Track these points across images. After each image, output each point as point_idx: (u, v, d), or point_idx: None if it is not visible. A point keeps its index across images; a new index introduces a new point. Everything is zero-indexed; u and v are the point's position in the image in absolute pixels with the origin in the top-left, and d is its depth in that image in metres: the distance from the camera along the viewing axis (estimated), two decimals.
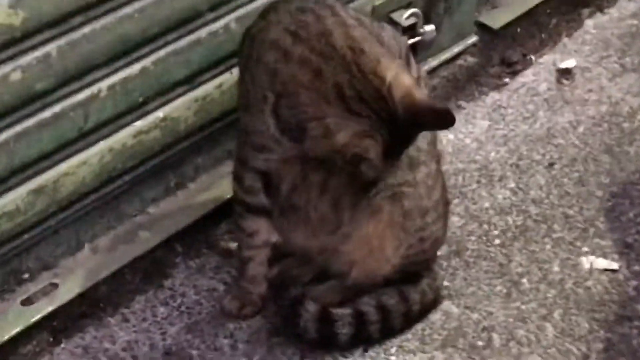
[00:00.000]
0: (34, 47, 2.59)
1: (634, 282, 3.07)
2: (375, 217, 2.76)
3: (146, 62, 2.87)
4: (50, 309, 2.82)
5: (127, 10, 2.75)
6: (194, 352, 2.84)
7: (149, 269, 3.02)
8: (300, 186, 2.78)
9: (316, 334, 2.80)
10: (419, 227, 2.83)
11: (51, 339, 2.84)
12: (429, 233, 2.86)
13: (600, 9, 4.22)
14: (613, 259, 3.14)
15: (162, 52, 2.90)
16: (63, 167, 2.79)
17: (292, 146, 2.63)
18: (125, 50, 2.80)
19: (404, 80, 2.51)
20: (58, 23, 2.61)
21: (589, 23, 4.16)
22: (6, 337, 2.74)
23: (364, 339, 2.84)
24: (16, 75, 2.57)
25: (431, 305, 2.96)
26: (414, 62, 2.83)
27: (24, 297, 2.84)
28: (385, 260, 2.81)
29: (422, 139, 2.74)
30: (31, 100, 2.64)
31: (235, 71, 2.89)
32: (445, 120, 2.54)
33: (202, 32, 2.97)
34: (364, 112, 2.48)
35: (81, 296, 2.88)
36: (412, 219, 2.80)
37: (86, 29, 2.68)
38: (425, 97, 2.55)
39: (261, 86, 2.62)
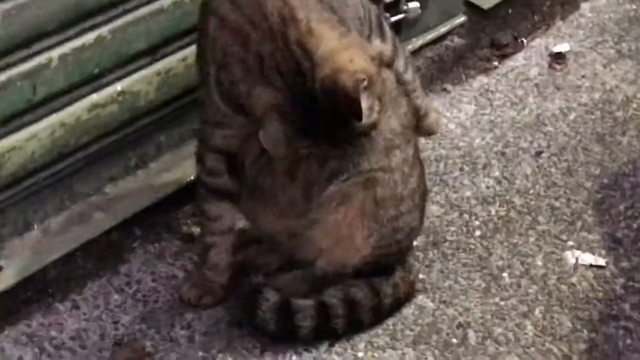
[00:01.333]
0: None
1: (621, 280, 2.97)
2: (346, 204, 2.68)
3: (103, 30, 2.74)
4: None
5: None
6: (148, 343, 2.72)
7: (103, 253, 2.90)
8: (266, 168, 2.69)
9: (275, 326, 2.69)
10: (393, 217, 2.73)
11: None
12: (403, 223, 2.77)
13: None
14: (600, 255, 3.04)
15: (120, 21, 2.78)
16: (10, 140, 2.67)
17: (244, 121, 2.52)
18: (80, 17, 2.68)
19: (337, 58, 2.36)
20: None
21: (584, 6, 4.07)
22: None
23: (328, 333, 2.74)
24: None
25: (404, 299, 2.86)
26: (389, 31, 2.73)
27: None
28: (355, 250, 2.72)
29: (396, 120, 2.65)
30: None
31: None
32: (354, 114, 2.37)
33: (166, 1, 2.86)
34: (278, 83, 2.37)
35: (28, 280, 2.76)
36: (386, 208, 2.71)
37: None
38: (354, 83, 2.34)
39: (206, 57, 2.56)
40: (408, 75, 2.81)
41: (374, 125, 2.44)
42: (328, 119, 2.37)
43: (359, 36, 2.53)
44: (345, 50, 2.37)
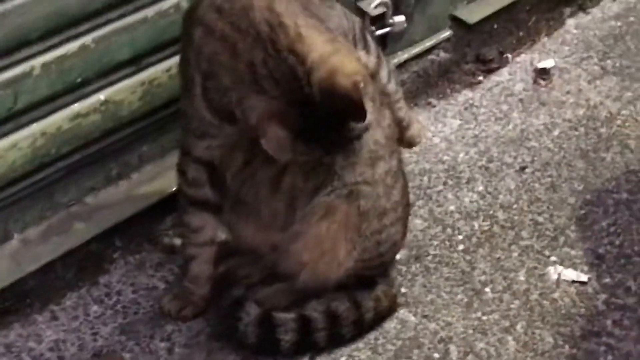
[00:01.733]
0: None
1: (603, 296, 2.95)
2: (329, 217, 2.66)
3: (86, 39, 2.72)
4: None
5: None
6: (127, 355, 2.71)
7: (83, 264, 2.88)
8: (249, 180, 2.67)
9: (256, 339, 2.68)
10: (376, 230, 2.72)
11: None
12: (386, 236, 2.76)
13: (583, 9, 4.11)
14: (582, 271, 3.03)
15: (104, 30, 2.75)
16: None
17: (232, 130, 2.51)
18: (63, 26, 2.66)
19: (332, 61, 2.35)
20: None
21: (570, 22, 4.05)
22: None
23: (309, 346, 2.73)
24: None
25: (386, 313, 2.84)
26: (372, 42, 2.74)
27: None
28: (337, 264, 2.70)
29: (380, 131, 2.64)
30: None
31: None
32: (357, 115, 2.37)
33: (150, 10, 2.83)
34: (275, 92, 2.35)
35: (6, 290, 2.74)
36: (369, 221, 2.69)
37: (18, 0, 2.52)
38: (353, 84, 2.34)
39: (191, 66, 2.53)
40: (391, 86, 2.81)
41: (366, 128, 2.44)
42: (326, 123, 2.36)
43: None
44: (337, 53, 2.36)
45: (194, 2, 2.58)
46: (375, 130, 2.63)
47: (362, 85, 2.32)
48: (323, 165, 2.58)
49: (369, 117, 2.40)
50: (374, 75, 2.70)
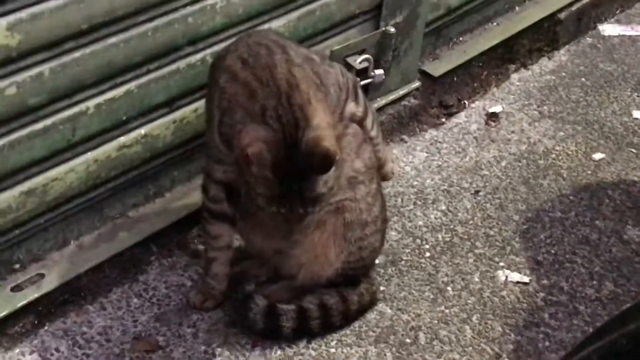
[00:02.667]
0: (28, 67, 2.41)
1: (542, 294, 2.94)
2: (321, 228, 2.65)
3: (130, 85, 2.69)
4: (36, 295, 2.64)
5: (114, 39, 2.57)
6: (160, 338, 2.68)
7: (126, 265, 2.85)
8: (254, 200, 2.61)
9: (263, 325, 2.66)
10: (359, 238, 2.70)
11: (36, 322, 2.66)
12: (367, 243, 2.73)
13: (525, 65, 4.08)
14: (525, 274, 3.02)
15: (144, 78, 2.72)
16: (52, 173, 2.62)
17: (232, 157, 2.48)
18: (112, 75, 2.62)
19: (323, 130, 2.34)
20: (51, 47, 2.44)
21: (514, 76, 4.02)
22: None
23: (306, 332, 2.70)
24: (11, 90, 2.39)
25: (368, 306, 2.82)
26: (362, 96, 2.73)
27: (14, 284, 2.65)
28: (329, 265, 2.69)
29: (360, 162, 2.65)
30: (24, 113, 2.46)
31: None
32: (320, 169, 2.35)
33: (181, 63, 2.79)
34: (275, 126, 2.33)
35: (65, 285, 2.70)
36: (353, 230, 2.68)
37: (77, 54, 2.50)
38: (326, 149, 2.31)
39: (214, 104, 2.52)
40: (374, 132, 2.79)
41: (320, 196, 2.42)
42: (298, 170, 2.34)
43: (337, 101, 2.55)
44: (328, 128, 2.36)
45: (222, 53, 2.57)
46: (356, 161, 2.64)
47: (335, 155, 2.31)
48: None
49: (328, 185, 2.40)
50: (361, 122, 2.70)
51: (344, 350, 2.69)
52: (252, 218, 2.68)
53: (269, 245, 2.74)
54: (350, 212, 2.64)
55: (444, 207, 3.26)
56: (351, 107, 2.66)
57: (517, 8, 4.11)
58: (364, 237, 2.70)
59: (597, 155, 3.56)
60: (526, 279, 2.98)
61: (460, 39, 3.89)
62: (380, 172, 2.84)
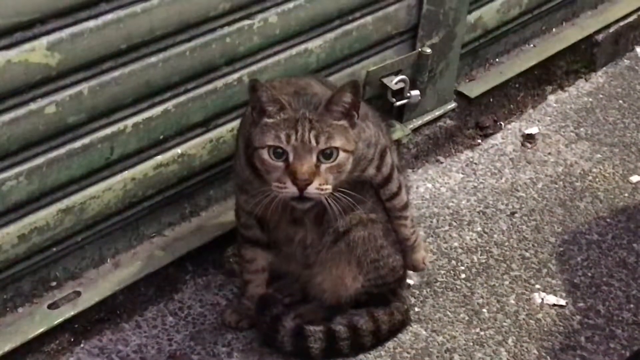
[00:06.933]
0: (67, 86, 2.43)
1: (578, 317, 2.92)
2: (335, 261, 2.67)
3: (168, 105, 2.70)
4: (72, 313, 2.65)
5: (153, 59, 2.59)
6: (195, 357, 2.68)
7: (162, 284, 2.85)
8: (279, 228, 2.68)
9: (292, 347, 2.65)
10: (374, 259, 2.70)
11: (72, 340, 2.67)
12: (383, 263, 2.72)
13: (561, 87, 4.06)
14: (561, 296, 2.99)
15: (182, 98, 2.73)
16: (90, 191, 2.63)
17: (260, 184, 2.49)
18: (150, 94, 2.64)
19: None
20: (90, 66, 2.46)
21: (551, 98, 4.00)
22: (32, 335, 2.58)
23: (335, 353, 2.69)
24: (51, 109, 2.41)
25: (400, 325, 2.81)
26: (388, 167, 2.65)
27: (51, 302, 2.67)
28: (346, 289, 2.71)
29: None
30: (63, 131, 2.48)
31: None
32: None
33: (219, 83, 2.80)
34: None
35: (101, 303, 2.71)
36: (366, 256, 2.68)
37: (115, 73, 2.52)
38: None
39: (244, 130, 2.55)
40: (399, 200, 2.70)
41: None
42: None
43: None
44: None
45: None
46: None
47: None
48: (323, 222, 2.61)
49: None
50: (380, 186, 2.65)
51: None
52: (279, 246, 2.71)
53: (296, 273, 2.77)
54: (360, 245, 2.65)
55: (479, 229, 3.24)
56: (370, 172, 2.61)
57: (554, 29, 4.09)
58: (379, 259, 2.70)
59: (635, 178, 3.53)
60: (562, 302, 2.95)
61: (497, 60, 3.88)
62: (410, 258, 2.80)
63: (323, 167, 2.36)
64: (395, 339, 2.77)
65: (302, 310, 2.74)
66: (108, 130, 2.57)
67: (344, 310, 2.72)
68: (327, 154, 2.36)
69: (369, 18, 3.13)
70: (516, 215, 3.31)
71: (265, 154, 2.36)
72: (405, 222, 2.73)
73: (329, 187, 2.37)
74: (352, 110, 2.41)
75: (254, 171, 2.46)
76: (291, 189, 2.34)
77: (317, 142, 2.34)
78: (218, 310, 2.81)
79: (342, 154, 2.38)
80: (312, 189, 2.34)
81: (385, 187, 2.65)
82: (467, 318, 2.88)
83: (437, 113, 3.58)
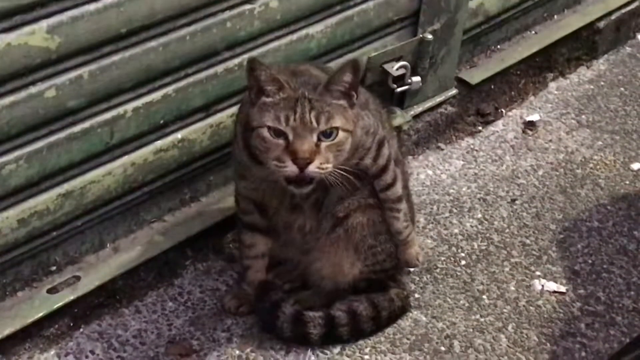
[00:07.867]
0: (67, 69, 2.42)
1: (578, 304, 2.92)
2: (333, 248, 2.67)
3: (168, 89, 2.69)
4: (72, 297, 2.65)
5: (153, 43, 2.58)
6: (194, 342, 2.68)
7: (161, 269, 2.85)
8: (278, 214, 2.69)
9: (291, 333, 2.66)
10: (371, 245, 2.70)
11: (71, 324, 2.67)
12: (381, 249, 2.72)
13: (563, 74, 4.06)
14: (561, 283, 2.99)
15: (182, 82, 2.72)
16: (90, 176, 2.63)
17: (260, 171, 2.48)
18: (150, 78, 2.63)
19: None
20: (90, 50, 2.44)
21: (552, 85, 4.00)
22: (31, 319, 2.58)
23: (335, 338, 2.69)
24: (50, 93, 2.40)
25: (400, 311, 2.80)
26: (384, 158, 2.62)
27: (50, 286, 2.66)
28: (344, 275, 2.71)
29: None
30: (63, 115, 2.47)
31: None
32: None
33: (219, 68, 2.79)
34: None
35: (100, 288, 2.71)
36: (364, 242, 2.68)
37: (115, 57, 2.51)
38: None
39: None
40: (393, 191, 2.67)
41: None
42: None
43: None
44: None
45: None
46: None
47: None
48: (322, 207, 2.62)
49: None
50: (375, 177, 2.63)
51: (378, 357, 2.68)
52: (278, 231, 2.71)
53: (295, 259, 2.77)
54: (358, 231, 2.65)
55: (480, 215, 3.23)
56: (367, 161, 2.60)
57: (555, 17, 4.08)
58: (377, 244, 2.69)
59: (636, 165, 3.53)
60: (563, 289, 2.95)
61: (498, 47, 3.87)
62: (403, 253, 2.77)
63: (323, 145, 2.35)
64: (395, 325, 2.77)
65: (302, 296, 2.74)
66: (108, 115, 2.56)
67: (344, 296, 2.72)
68: (327, 133, 2.35)
69: (370, 3, 3.12)
70: (517, 202, 3.31)
71: (265, 132, 2.34)
72: (398, 215, 2.70)
73: (330, 165, 2.36)
74: (352, 90, 2.39)
75: (251, 156, 2.45)
76: (291, 168, 2.33)
77: (318, 123, 2.33)
78: (218, 295, 2.81)
79: (341, 133, 2.37)
80: (312, 168, 2.33)
81: (380, 177, 2.64)
82: (467, 304, 2.87)
83: (438, 99, 3.57)
